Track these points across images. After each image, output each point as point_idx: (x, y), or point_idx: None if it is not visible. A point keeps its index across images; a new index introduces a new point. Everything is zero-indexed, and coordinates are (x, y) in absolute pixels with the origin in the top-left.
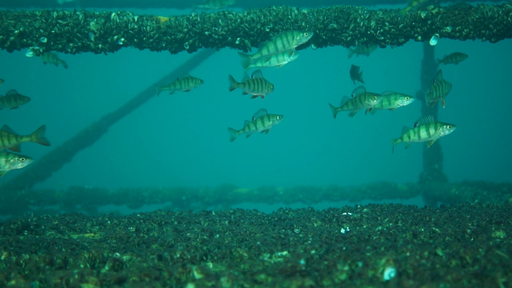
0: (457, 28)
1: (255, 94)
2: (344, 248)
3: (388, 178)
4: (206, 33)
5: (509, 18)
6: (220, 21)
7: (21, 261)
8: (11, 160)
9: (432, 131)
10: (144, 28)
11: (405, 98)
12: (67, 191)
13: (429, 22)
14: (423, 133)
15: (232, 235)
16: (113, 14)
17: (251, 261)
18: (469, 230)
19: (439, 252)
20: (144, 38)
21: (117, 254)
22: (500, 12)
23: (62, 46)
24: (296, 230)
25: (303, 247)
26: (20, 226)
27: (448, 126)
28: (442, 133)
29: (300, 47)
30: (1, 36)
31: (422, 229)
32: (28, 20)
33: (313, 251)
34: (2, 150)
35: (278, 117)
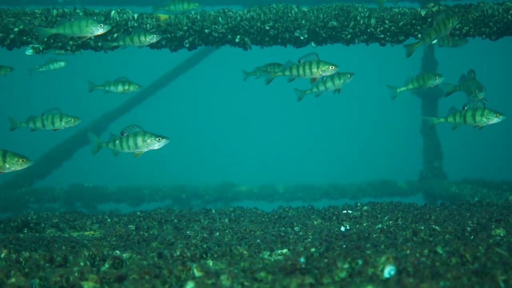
0: (457, 26)
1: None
2: (344, 246)
3: (388, 176)
4: (206, 31)
5: (509, 16)
6: (220, 19)
7: (21, 259)
8: (148, 141)
9: (478, 117)
10: (144, 26)
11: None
12: (67, 189)
13: (429, 20)
14: (469, 118)
15: (232, 233)
16: (113, 12)
17: (251, 259)
18: (469, 228)
19: (439, 250)
20: None
21: (117, 252)
22: (500, 10)
23: (62, 44)
24: (296, 228)
25: (303, 245)
26: (20, 224)
27: (496, 115)
28: (488, 121)
29: (299, 45)
30: (1, 34)
31: (422, 227)
32: (28, 18)
33: (313, 249)
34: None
35: (349, 75)
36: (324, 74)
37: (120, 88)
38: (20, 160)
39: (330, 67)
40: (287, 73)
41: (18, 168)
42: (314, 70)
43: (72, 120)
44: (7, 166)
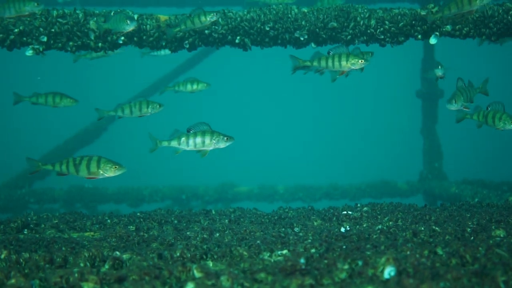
0: (457, 27)
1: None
2: (344, 247)
3: (388, 176)
4: (206, 32)
5: (509, 17)
6: (220, 20)
7: (21, 260)
8: (217, 139)
9: (497, 120)
10: (144, 26)
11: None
12: (67, 190)
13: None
14: (490, 119)
15: (232, 234)
16: (113, 12)
17: (251, 260)
18: (469, 229)
19: (439, 250)
20: (144, 37)
21: (117, 252)
22: (500, 11)
23: (62, 44)
24: (296, 229)
25: (303, 246)
26: (20, 225)
27: None
28: (505, 126)
29: (299, 46)
30: (1, 35)
31: (422, 228)
32: (28, 19)
33: (313, 250)
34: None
35: (360, 60)
36: (353, 67)
37: (189, 87)
38: (114, 166)
39: (360, 60)
40: (315, 63)
41: (112, 174)
42: (343, 62)
43: (158, 106)
44: (101, 172)
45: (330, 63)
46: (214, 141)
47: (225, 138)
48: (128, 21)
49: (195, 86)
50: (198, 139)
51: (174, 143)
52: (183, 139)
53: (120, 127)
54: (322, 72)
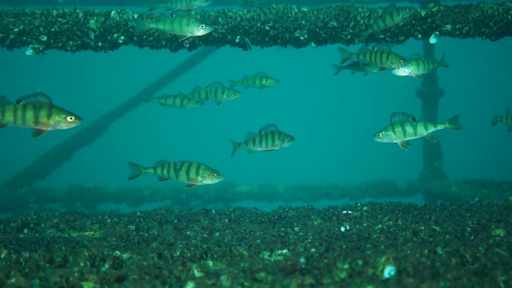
0: (457, 26)
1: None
2: (344, 246)
3: (388, 176)
4: None
5: (509, 16)
6: (220, 19)
7: (21, 259)
8: (283, 139)
9: None
10: None
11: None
12: (67, 189)
13: (429, 20)
14: None
15: (232, 233)
16: (113, 12)
17: (251, 259)
18: (469, 228)
19: (439, 250)
20: (144, 37)
21: (117, 252)
22: (500, 10)
23: (62, 44)
24: (296, 229)
25: (303, 245)
26: (20, 224)
27: None
28: None
29: (299, 46)
30: (1, 34)
31: (422, 227)
32: (28, 18)
33: (313, 249)
34: None
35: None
36: (392, 66)
37: (257, 83)
38: (213, 174)
39: (400, 60)
40: (361, 57)
41: (210, 182)
42: (384, 60)
43: (233, 94)
44: (199, 179)
45: (373, 58)
46: (281, 141)
47: (289, 137)
48: (203, 26)
49: (264, 82)
50: (269, 140)
51: (250, 145)
52: (257, 140)
53: (120, 127)
54: (367, 73)
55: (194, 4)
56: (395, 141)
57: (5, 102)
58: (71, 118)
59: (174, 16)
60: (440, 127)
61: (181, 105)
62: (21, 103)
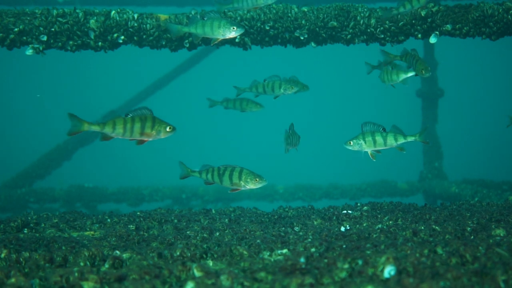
0: (457, 26)
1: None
2: (344, 246)
3: (388, 176)
4: None
5: (509, 16)
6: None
7: (21, 259)
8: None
9: None
10: (144, 26)
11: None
12: (67, 189)
13: (429, 20)
14: None
15: (232, 233)
16: (113, 12)
17: (251, 259)
18: (469, 228)
19: (439, 250)
20: (144, 36)
21: (117, 252)
22: (500, 10)
23: (62, 44)
24: (296, 228)
25: (303, 245)
26: (20, 224)
27: None
28: None
29: (299, 46)
30: (1, 34)
31: (422, 227)
32: (28, 18)
33: (313, 249)
34: None
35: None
36: (419, 75)
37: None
38: (255, 179)
39: (422, 70)
40: (403, 59)
41: (253, 187)
42: (415, 66)
43: (291, 87)
44: (242, 183)
45: (408, 61)
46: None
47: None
48: (235, 27)
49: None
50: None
51: (287, 143)
52: (289, 139)
53: None
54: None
55: (259, 2)
56: (365, 150)
57: (116, 116)
58: (169, 128)
59: (205, 19)
60: (410, 139)
61: (241, 108)
62: (129, 116)
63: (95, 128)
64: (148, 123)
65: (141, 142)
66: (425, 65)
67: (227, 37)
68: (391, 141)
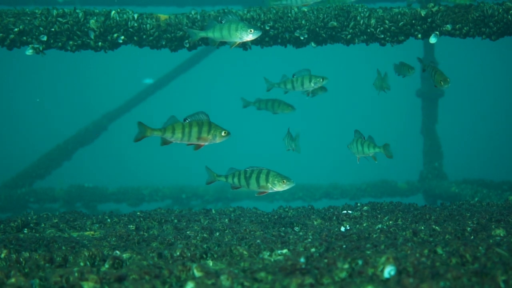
0: (457, 26)
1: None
2: (344, 246)
3: (388, 176)
4: None
5: (509, 16)
6: (219, 19)
7: (21, 259)
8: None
9: None
10: (144, 26)
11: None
12: (67, 189)
13: (429, 20)
14: None
15: (232, 233)
16: (113, 12)
17: (251, 259)
18: (469, 228)
19: (439, 250)
20: (144, 36)
21: (117, 252)
22: (500, 10)
23: (62, 44)
24: (296, 228)
25: (303, 245)
26: (20, 224)
27: None
28: None
29: (299, 46)
30: (1, 34)
31: (422, 227)
32: (28, 18)
33: (313, 249)
34: None
35: None
36: (438, 86)
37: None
38: (283, 181)
39: (440, 81)
40: (426, 68)
41: (280, 189)
42: (434, 78)
43: (321, 80)
44: (269, 186)
45: (430, 72)
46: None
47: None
48: (252, 30)
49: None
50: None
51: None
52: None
53: (119, 127)
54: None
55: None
56: (355, 155)
57: (175, 121)
58: (225, 133)
59: (223, 22)
60: (376, 150)
61: (273, 110)
62: (187, 121)
63: (157, 133)
64: (205, 127)
65: (198, 146)
66: (444, 77)
67: (244, 40)
68: (366, 150)
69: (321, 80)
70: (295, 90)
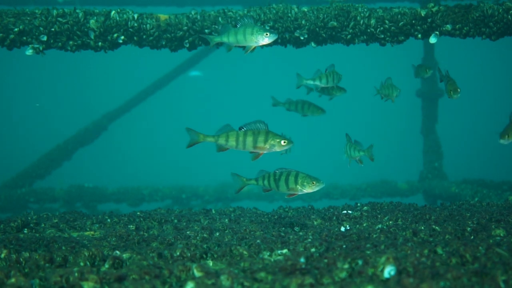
0: (457, 26)
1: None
2: (344, 246)
3: (388, 176)
4: (206, 31)
5: (509, 16)
6: (220, 19)
7: (21, 259)
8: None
9: None
10: (144, 26)
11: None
12: (67, 189)
13: (429, 20)
14: None
15: (232, 233)
16: (113, 12)
17: (251, 259)
18: (469, 228)
19: (439, 250)
20: (144, 36)
21: (117, 252)
22: (500, 10)
23: (62, 44)
24: (296, 228)
25: (303, 245)
26: (20, 224)
27: None
28: None
29: (299, 46)
30: (1, 34)
31: (422, 227)
32: (28, 18)
33: (313, 249)
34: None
35: None
36: (448, 96)
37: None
38: (312, 182)
39: (450, 91)
40: (443, 78)
41: (310, 190)
42: (446, 87)
43: (338, 76)
44: (299, 188)
45: (446, 82)
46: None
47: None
48: (268, 33)
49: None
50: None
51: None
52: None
53: (119, 127)
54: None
55: None
56: (347, 158)
57: (230, 129)
58: (284, 142)
59: (238, 26)
60: (361, 153)
61: (303, 112)
62: (243, 129)
63: (210, 139)
64: (260, 137)
65: (257, 155)
66: (455, 87)
67: (260, 44)
68: (354, 154)
69: (338, 76)
70: (328, 85)
